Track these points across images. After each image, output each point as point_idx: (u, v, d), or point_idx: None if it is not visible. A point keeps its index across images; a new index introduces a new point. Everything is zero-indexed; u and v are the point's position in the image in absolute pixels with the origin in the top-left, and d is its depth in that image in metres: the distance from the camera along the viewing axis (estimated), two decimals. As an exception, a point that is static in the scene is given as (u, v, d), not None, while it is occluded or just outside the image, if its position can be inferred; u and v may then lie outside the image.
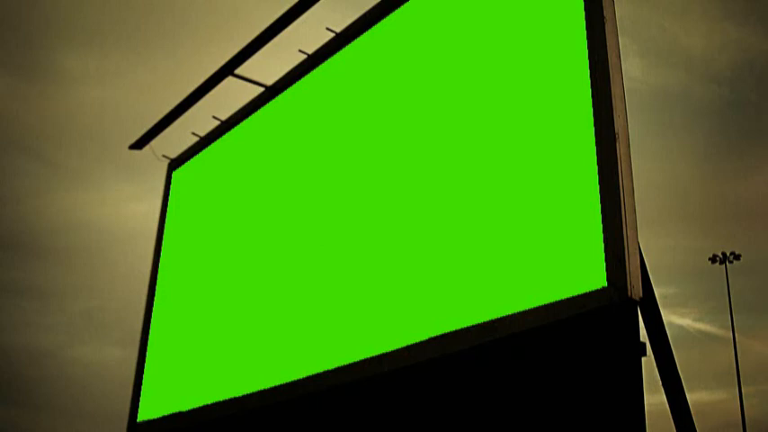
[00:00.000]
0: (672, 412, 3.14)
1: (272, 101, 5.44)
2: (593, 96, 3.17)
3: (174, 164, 6.41)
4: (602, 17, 3.25)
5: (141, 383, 5.69)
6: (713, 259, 25.58)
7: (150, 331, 5.85)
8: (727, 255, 25.44)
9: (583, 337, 2.93)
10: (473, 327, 3.32)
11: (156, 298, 5.97)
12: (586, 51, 3.26)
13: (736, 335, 24.26)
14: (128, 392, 5.75)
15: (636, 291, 2.81)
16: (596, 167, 3.05)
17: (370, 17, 4.71)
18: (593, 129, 3.11)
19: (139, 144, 6.25)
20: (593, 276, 2.92)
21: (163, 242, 6.17)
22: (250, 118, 5.65)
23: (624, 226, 2.89)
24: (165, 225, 6.24)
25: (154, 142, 6.26)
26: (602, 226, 2.95)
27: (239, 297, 5.04)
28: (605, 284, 2.86)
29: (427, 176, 3.92)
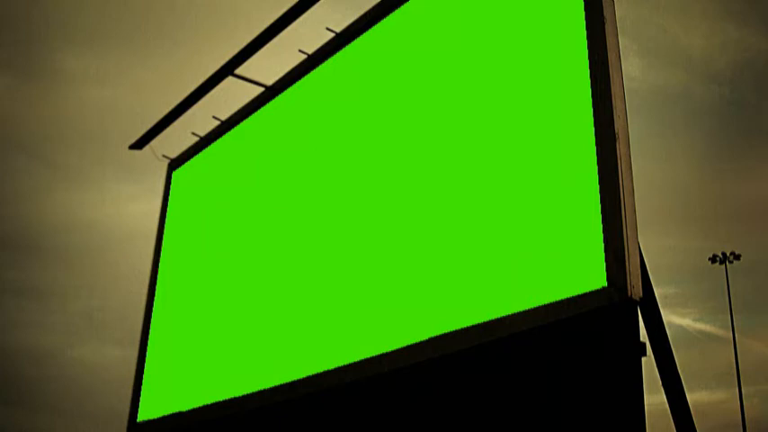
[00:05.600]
0: (672, 412, 3.14)
1: (272, 101, 5.44)
2: (593, 96, 3.16)
3: (174, 164, 6.41)
4: (602, 17, 3.24)
5: (141, 383, 5.69)
6: (713, 259, 25.60)
7: (150, 331, 5.85)
8: (727, 255, 25.46)
9: (583, 337, 2.93)
10: (473, 327, 3.32)
11: (156, 298, 5.97)
12: (586, 51, 3.26)
13: (736, 335, 24.30)
14: (128, 392, 5.75)
15: (636, 291, 2.81)
16: (596, 167, 3.05)
17: (370, 17, 4.70)
18: (593, 129, 3.11)
19: (139, 144, 6.25)
20: (593, 276, 2.92)
21: (163, 242, 6.17)
22: (250, 118, 5.65)
23: (624, 226, 2.89)
24: (165, 225, 6.23)
25: (154, 142, 6.25)
26: (602, 226, 2.95)
27: (239, 297, 5.04)
28: (605, 284, 2.86)
29: (427, 176, 3.92)
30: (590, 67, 3.22)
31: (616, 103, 3.09)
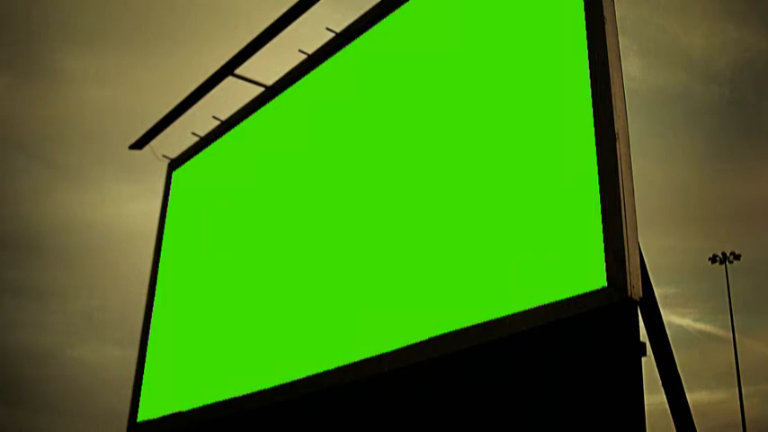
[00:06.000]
0: (672, 412, 3.14)
1: (272, 101, 5.44)
2: (593, 96, 3.16)
3: (174, 164, 6.42)
4: (603, 17, 3.25)
5: (141, 383, 5.69)
6: (713, 259, 25.61)
7: (150, 331, 5.85)
8: (727, 255, 25.46)
9: (583, 337, 2.93)
10: (473, 327, 3.32)
11: (156, 298, 5.97)
12: (586, 51, 3.26)
13: (736, 335, 24.30)
14: (128, 392, 5.75)
15: (636, 291, 2.81)
16: (596, 167, 3.05)
17: (370, 17, 4.70)
18: (594, 129, 3.11)
19: (139, 144, 6.25)
20: (593, 276, 2.92)
21: (163, 242, 6.17)
22: (250, 118, 5.65)
23: (624, 226, 2.89)
24: (165, 225, 6.24)
25: (154, 142, 6.25)
26: (602, 226, 2.95)
27: (239, 297, 5.04)
28: (605, 284, 2.86)
29: (427, 176, 3.92)
30: (590, 67, 3.22)
31: (616, 103, 3.10)
